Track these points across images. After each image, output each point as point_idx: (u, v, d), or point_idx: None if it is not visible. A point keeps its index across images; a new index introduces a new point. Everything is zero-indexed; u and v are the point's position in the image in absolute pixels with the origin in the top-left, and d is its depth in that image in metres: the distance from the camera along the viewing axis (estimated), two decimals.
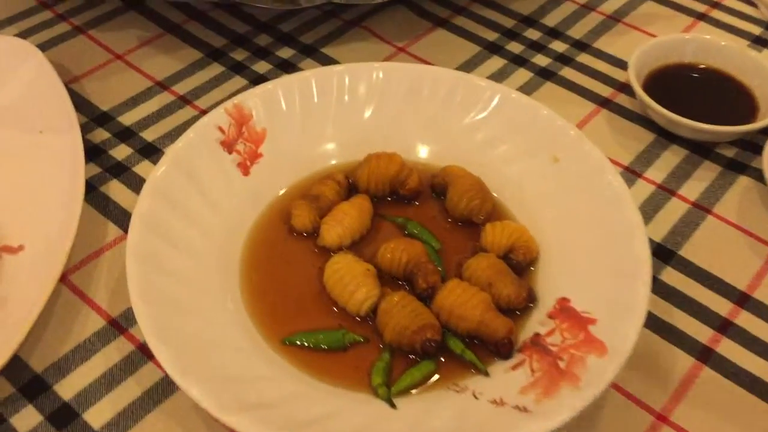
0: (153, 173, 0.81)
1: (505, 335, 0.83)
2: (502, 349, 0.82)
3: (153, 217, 0.79)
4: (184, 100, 1.08)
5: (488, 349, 0.76)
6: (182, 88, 1.09)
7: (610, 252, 0.80)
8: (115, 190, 0.96)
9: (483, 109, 0.94)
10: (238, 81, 1.10)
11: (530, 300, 0.88)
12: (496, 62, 1.15)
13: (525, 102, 0.92)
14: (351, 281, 0.79)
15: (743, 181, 1.00)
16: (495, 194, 0.92)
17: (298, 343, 0.78)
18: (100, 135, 1.02)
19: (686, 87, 1.08)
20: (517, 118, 0.92)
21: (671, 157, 1.05)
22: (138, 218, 0.78)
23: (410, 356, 0.76)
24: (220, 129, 0.90)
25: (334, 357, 0.77)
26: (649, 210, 0.97)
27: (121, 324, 0.81)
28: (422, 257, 0.87)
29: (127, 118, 1.04)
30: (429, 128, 0.96)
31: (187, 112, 1.06)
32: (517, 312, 0.81)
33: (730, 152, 1.03)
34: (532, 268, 0.87)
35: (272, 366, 0.73)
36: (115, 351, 0.78)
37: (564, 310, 0.79)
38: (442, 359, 0.78)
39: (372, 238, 0.89)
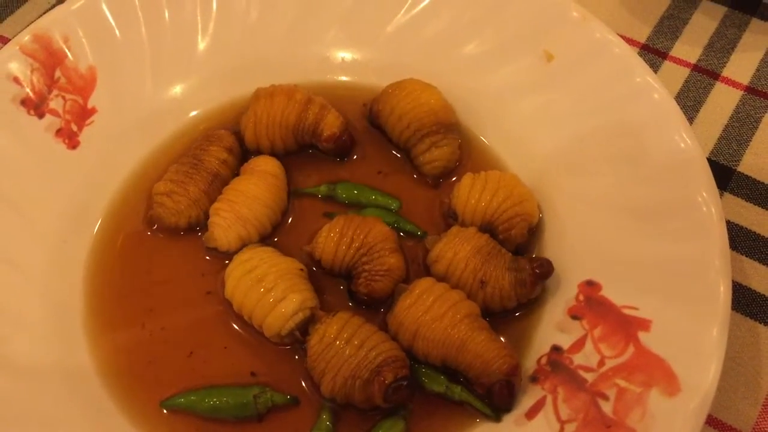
0: None
1: (505, 373, 0.55)
2: (499, 394, 0.56)
3: None
4: None
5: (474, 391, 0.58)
6: None
7: (659, 207, 0.60)
8: None
9: None
10: None
11: (544, 273, 0.60)
12: None
13: None
14: (275, 284, 0.58)
15: None
16: (470, 128, 0.72)
17: (183, 404, 0.58)
18: None
19: None
20: None
21: (704, 21, 0.83)
22: None
23: (368, 412, 0.57)
24: (16, 80, 0.67)
25: (243, 431, 0.58)
26: (686, 106, 0.77)
27: None
28: (382, 242, 0.62)
29: None
30: (349, 27, 0.75)
31: None
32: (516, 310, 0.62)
33: None
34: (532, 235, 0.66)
35: None
36: None
37: (593, 304, 0.59)
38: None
39: (290, 223, 0.68)
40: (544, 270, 0.60)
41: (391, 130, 0.69)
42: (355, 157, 0.71)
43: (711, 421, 0.59)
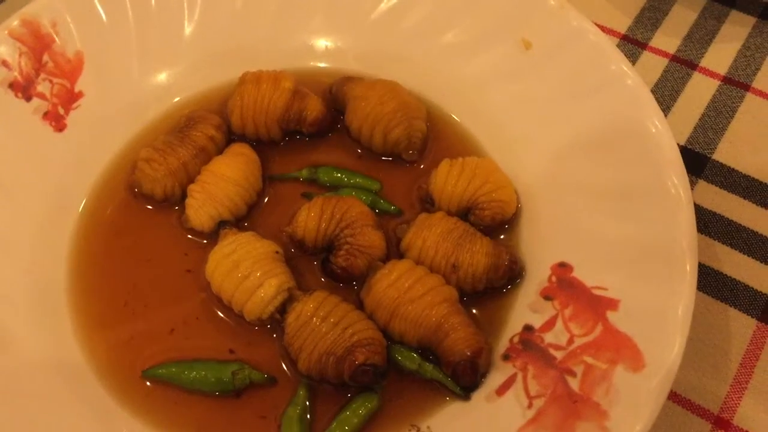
0: None
1: (471, 353, 0.56)
2: (462, 373, 0.57)
3: None
4: None
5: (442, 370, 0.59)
6: None
7: (630, 190, 0.61)
8: None
9: None
10: None
11: (514, 271, 0.62)
12: None
13: None
14: (252, 270, 0.59)
15: None
16: (450, 114, 0.72)
17: (164, 375, 0.59)
18: None
19: None
20: None
21: (684, 12, 0.83)
22: None
23: (340, 388, 0.58)
24: (4, 63, 0.68)
25: (221, 405, 0.58)
26: (663, 95, 0.77)
27: None
28: (363, 218, 0.62)
29: None
30: (332, 15, 0.75)
31: None
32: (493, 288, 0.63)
33: None
34: (506, 226, 0.66)
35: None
36: None
37: (564, 285, 0.60)
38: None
39: (266, 205, 0.68)
40: (516, 269, 0.61)
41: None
42: (333, 140, 0.71)
43: (680, 401, 0.60)
